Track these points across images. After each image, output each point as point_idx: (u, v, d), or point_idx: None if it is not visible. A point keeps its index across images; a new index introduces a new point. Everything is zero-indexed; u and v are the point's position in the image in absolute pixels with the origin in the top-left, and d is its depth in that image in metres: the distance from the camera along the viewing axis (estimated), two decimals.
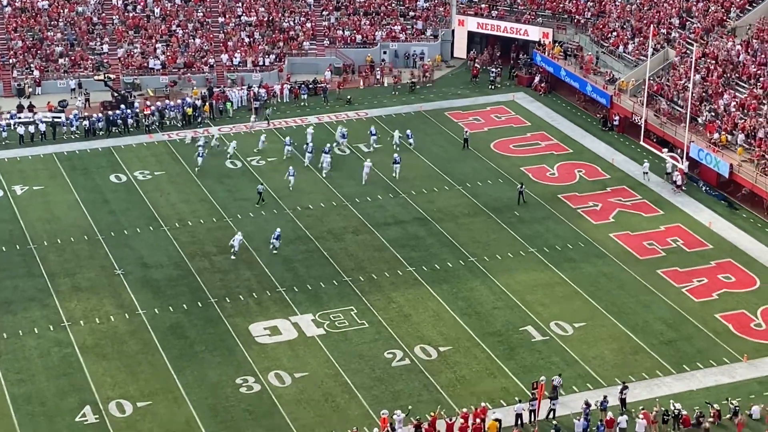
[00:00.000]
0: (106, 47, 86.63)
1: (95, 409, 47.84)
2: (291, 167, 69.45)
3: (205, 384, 49.64)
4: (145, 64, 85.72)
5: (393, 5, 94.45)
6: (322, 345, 52.62)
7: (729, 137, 69.39)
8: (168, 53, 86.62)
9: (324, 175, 70.11)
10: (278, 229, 62.10)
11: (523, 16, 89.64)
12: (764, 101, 71.04)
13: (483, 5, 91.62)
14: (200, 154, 71.44)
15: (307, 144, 73.32)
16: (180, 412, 47.82)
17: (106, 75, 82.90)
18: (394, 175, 69.92)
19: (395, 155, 71.20)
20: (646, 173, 70.48)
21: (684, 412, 46.90)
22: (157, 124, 77.90)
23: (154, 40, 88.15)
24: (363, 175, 68.98)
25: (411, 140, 74.34)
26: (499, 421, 46.11)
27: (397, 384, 49.73)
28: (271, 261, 60.12)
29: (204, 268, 59.51)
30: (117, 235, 63.05)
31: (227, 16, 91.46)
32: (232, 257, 60.22)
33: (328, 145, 73.22)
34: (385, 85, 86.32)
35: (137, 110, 79.05)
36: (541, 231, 63.62)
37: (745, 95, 72.10)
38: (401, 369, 50.84)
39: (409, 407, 47.29)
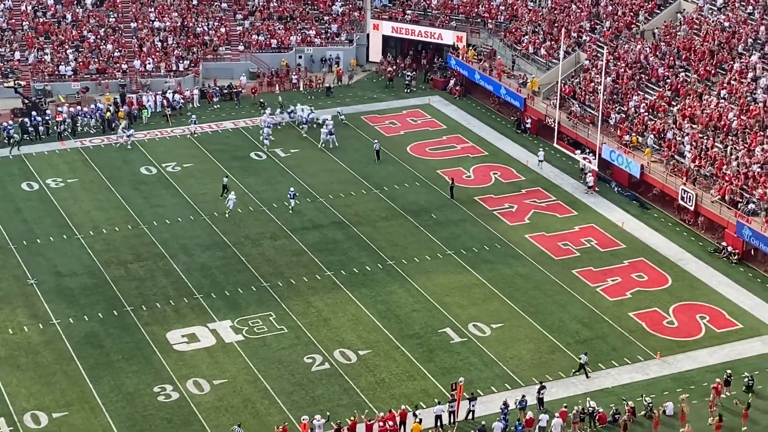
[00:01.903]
0: (17, 54, 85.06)
1: (9, 421, 47.01)
2: (232, 193, 67.05)
3: (122, 393, 49.10)
4: (57, 71, 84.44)
5: (307, 10, 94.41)
6: (241, 351, 52.38)
7: (640, 138, 70.69)
8: (80, 59, 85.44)
9: (331, 147, 74.97)
10: (292, 188, 66.63)
11: (437, 20, 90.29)
12: (672, 103, 72.55)
13: (397, 9, 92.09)
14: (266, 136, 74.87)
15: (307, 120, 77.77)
16: (97, 422, 47.22)
17: (16, 82, 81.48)
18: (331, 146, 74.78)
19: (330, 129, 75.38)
20: (541, 161, 72.24)
21: (600, 410, 47.65)
22: (69, 130, 76.81)
23: (65, 46, 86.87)
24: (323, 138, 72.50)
25: (292, 202, 67.96)
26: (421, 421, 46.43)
27: (317, 389, 49.73)
28: (188, 268, 59.69)
29: (119, 276, 58.86)
30: (29, 244, 62.04)
31: (140, 22, 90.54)
32: (227, 215, 64.47)
33: (325, 120, 76.73)
34: (301, 89, 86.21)
35: (49, 117, 77.85)
36: (457, 233, 64.13)
37: (655, 97, 73.55)
38: (321, 373, 50.84)
39: (327, 413, 47.26)
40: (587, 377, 50.90)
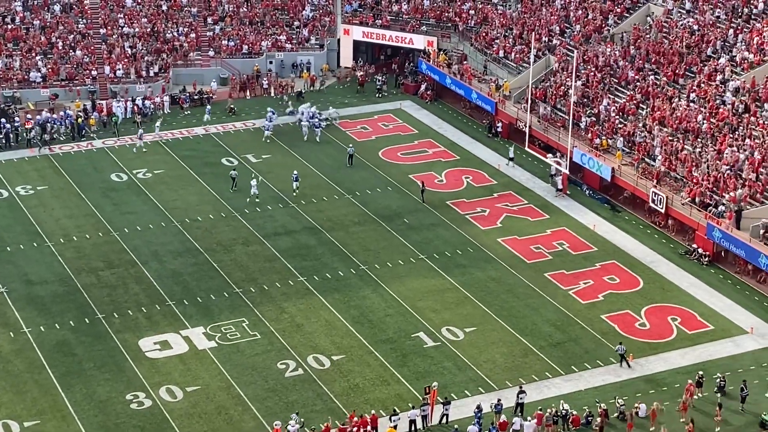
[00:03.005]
0: None
1: None
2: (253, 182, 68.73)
3: (95, 401, 48.81)
4: (26, 77, 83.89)
5: (278, 15, 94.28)
6: (214, 358, 52.19)
7: (610, 141, 71.03)
8: (49, 66, 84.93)
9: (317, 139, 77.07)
10: (295, 171, 69.01)
11: (407, 24, 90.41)
12: (642, 106, 72.95)
13: (368, 14, 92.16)
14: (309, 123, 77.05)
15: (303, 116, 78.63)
16: (69, 431, 46.92)
17: None
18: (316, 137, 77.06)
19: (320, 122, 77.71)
20: (512, 158, 73.43)
21: (573, 412, 47.80)
22: (38, 137, 76.34)
23: (33, 53, 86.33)
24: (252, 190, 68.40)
25: (296, 183, 69.98)
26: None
27: (291, 394, 49.62)
28: (160, 275, 59.43)
29: (91, 283, 58.52)
30: None
31: (109, 27, 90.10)
32: (257, 200, 66.96)
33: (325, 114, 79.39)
34: (272, 94, 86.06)
35: (18, 124, 77.32)
36: (430, 237, 64.19)
37: (624, 100, 73.93)
38: (294, 379, 50.74)
39: (302, 420, 47.15)
40: (629, 366, 51.59)
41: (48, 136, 76.29)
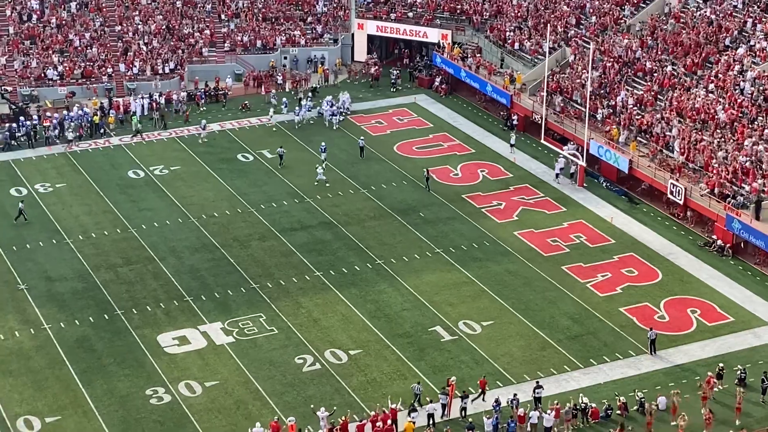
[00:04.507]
0: (2, 59, 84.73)
1: (2, 426, 46.89)
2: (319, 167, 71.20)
3: (115, 396, 49.01)
4: (43, 75, 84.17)
5: (292, 10, 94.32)
6: (232, 353, 52.33)
7: (627, 133, 70.76)
8: (66, 63, 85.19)
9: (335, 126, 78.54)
10: (323, 143, 72.46)
11: (422, 18, 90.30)
12: (660, 97, 72.69)
13: (382, 8, 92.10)
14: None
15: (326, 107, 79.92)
16: (90, 426, 47.13)
17: (2, 87, 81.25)
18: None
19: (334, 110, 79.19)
20: (513, 144, 74.45)
21: (593, 405, 47.72)
22: (56, 135, 76.62)
23: (50, 51, 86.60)
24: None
25: (324, 155, 73.06)
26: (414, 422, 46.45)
27: (309, 389, 49.70)
28: (177, 270, 59.60)
29: (109, 279, 58.73)
30: (19, 249, 61.85)
31: (124, 25, 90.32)
32: (324, 183, 68.82)
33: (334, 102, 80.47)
34: (287, 89, 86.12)
35: (36, 122, 77.61)
36: (446, 231, 64.14)
37: (642, 92, 73.67)
38: (312, 374, 50.82)
39: (335, 408, 47.42)
40: (653, 353, 51.74)
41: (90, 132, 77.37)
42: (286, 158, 72.64)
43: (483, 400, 48.54)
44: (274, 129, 78.68)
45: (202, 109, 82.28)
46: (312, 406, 47.55)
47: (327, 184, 69.03)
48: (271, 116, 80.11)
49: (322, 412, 46.42)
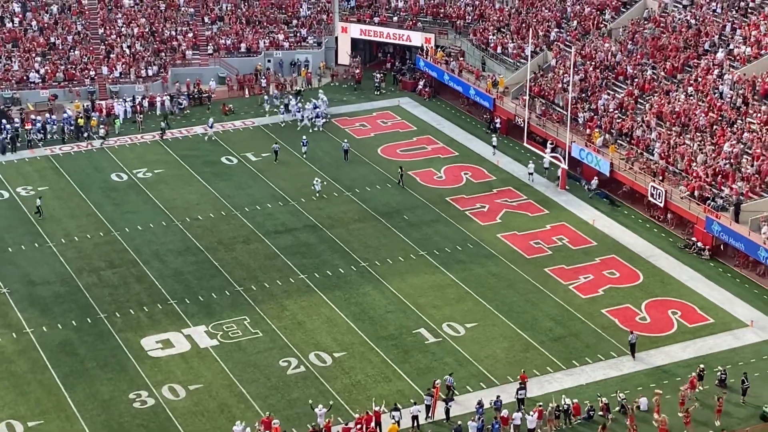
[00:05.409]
0: None
1: None
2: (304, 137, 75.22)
3: (98, 401, 48.98)
4: (25, 78, 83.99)
5: (275, 14, 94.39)
6: (216, 356, 52.37)
7: (608, 136, 71.15)
8: (48, 67, 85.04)
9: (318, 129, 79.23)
10: (305, 137, 74.38)
11: (405, 21, 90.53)
12: (640, 101, 73.09)
13: (366, 12, 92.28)
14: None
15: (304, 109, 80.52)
16: (72, 430, 47.08)
17: None
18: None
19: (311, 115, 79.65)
20: (494, 146, 74.72)
21: (574, 401, 48.04)
22: (38, 138, 76.48)
23: (33, 54, 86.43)
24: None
25: (305, 148, 74.49)
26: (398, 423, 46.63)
27: (293, 392, 49.79)
28: (161, 274, 59.59)
29: (92, 283, 58.68)
30: (1, 252, 61.73)
31: (107, 28, 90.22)
32: (315, 197, 67.99)
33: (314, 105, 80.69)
34: (271, 93, 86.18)
35: (17, 125, 77.44)
36: (430, 234, 64.35)
37: (623, 95, 74.07)
38: (296, 377, 50.92)
39: (331, 402, 47.80)
40: (633, 357, 52.02)
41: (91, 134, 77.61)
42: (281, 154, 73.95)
43: (523, 396, 48.92)
44: (282, 125, 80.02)
45: (186, 112, 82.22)
46: (311, 401, 47.79)
47: (315, 197, 68.50)
48: (280, 113, 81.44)
49: (320, 409, 46.59)
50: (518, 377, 49.56)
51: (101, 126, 77.79)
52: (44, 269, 60.07)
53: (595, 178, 69.11)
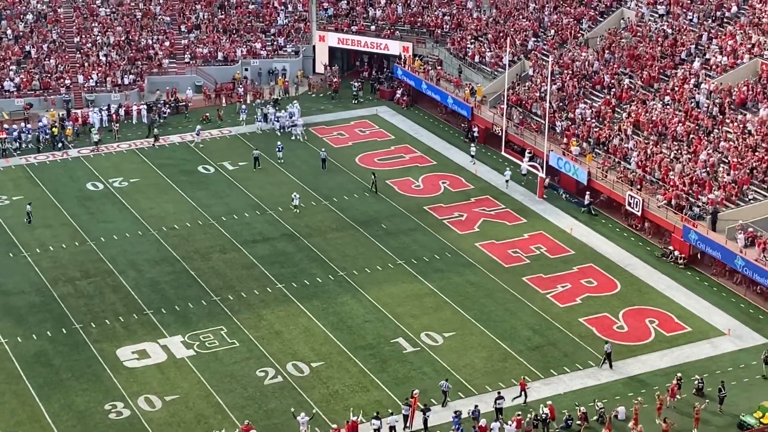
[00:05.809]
0: None
1: None
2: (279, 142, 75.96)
3: (73, 411, 48.56)
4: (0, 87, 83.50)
5: (252, 22, 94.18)
6: (193, 366, 52.03)
7: (585, 145, 71.26)
8: (23, 75, 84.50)
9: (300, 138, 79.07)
10: (279, 143, 74.85)
11: (383, 30, 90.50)
12: (618, 109, 73.27)
13: (343, 20, 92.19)
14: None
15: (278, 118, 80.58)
16: None
17: None
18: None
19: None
20: (473, 155, 74.70)
21: (548, 402, 48.20)
22: (14, 147, 75.97)
23: (8, 62, 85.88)
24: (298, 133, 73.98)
25: (280, 153, 74.74)
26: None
27: (270, 402, 49.52)
28: (137, 284, 59.21)
29: (68, 293, 58.24)
30: None
31: (83, 36, 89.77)
32: (296, 211, 67.20)
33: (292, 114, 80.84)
34: (248, 102, 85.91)
35: None
36: (408, 243, 64.23)
37: (600, 104, 74.24)
38: (274, 387, 50.64)
39: (314, 411, 47.64)
40: (610, 367, 51.96)
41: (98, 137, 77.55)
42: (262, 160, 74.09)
43: (525, 403, 49.13)
44: (259, 132, 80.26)
45: (161, 120, 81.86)
46: (293, 409, 47.52)
47: (296, 211, 67.81)
48: (257, 121, 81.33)
49: (302, 417, 46.33)
50: (518, 383, 49.91)
51: (95, 132, 77.24)
52: (19, 279, 59.59)
53: (587, 194, 68.69)
